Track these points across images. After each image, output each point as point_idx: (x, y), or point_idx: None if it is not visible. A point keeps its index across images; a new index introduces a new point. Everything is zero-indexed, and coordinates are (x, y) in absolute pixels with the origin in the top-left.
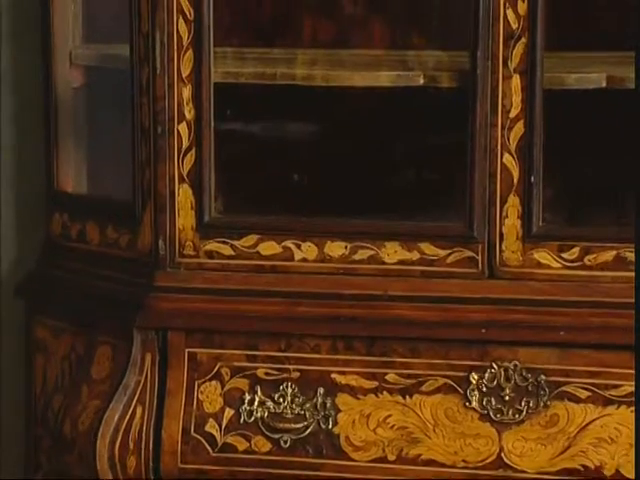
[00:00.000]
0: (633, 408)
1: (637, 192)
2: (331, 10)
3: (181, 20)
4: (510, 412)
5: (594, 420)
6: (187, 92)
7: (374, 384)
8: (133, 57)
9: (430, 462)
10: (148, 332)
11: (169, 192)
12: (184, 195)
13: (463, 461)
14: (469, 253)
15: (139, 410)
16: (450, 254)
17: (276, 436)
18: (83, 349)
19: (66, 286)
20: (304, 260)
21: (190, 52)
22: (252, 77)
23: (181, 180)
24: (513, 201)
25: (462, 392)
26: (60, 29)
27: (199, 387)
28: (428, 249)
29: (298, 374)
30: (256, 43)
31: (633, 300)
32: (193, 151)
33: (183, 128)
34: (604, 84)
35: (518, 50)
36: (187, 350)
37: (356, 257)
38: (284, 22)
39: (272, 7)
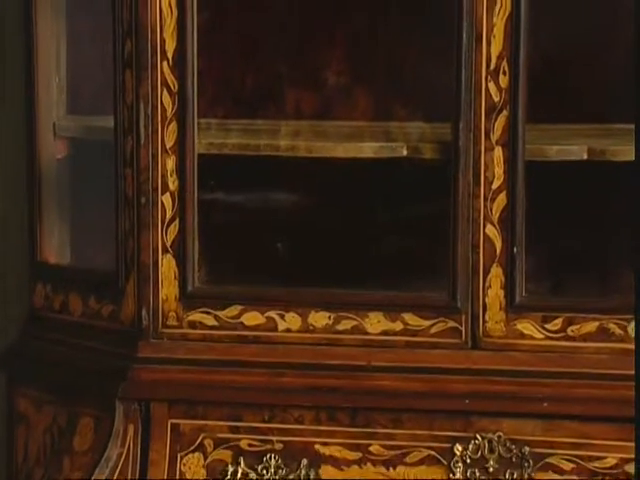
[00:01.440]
0: None
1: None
2: (314, 81)
3: (165, 92)
4: None
5: None
6: (171, 163)
7: (358, 455)
8: (117, 128)
9: None
10: (131, 403)
11: (152, 262)
12: (167, 265)
13: None
14: (452, 324)
15: None
16: (434, 324)
17: None
18: (65, 421)
19: (48, 357)
20: (288, 330)
21: (174, 123)
22: (236, 148)
23: (165, 250)
24: (496, 272)
25: (446, 464)
26: (44, 101)
27: (182, 459)
28: (412, 319)
29: (282, 445)
30: (240, 114)
31: (617, 371)
32: (177, 221)
33: (167, 199)
34: (585, 156)
35: (500, 122)
36: (170, 421)
37: (340, 327)
38: (268, 93)
39: (255, 78)
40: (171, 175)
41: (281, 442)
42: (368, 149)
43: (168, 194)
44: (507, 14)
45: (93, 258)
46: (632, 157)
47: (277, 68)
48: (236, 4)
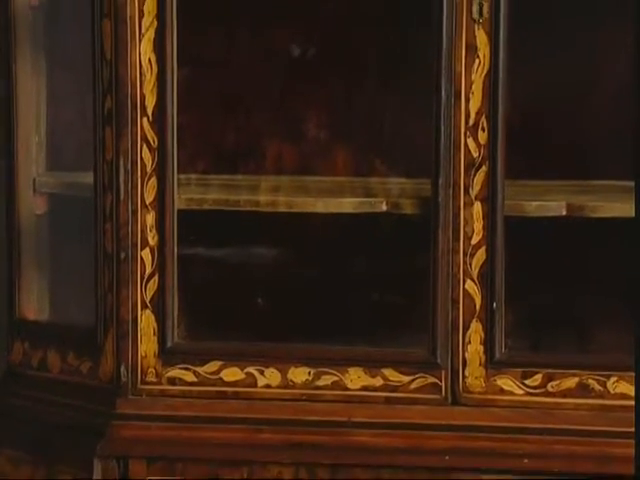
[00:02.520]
0: None
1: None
2: (294, 137)
3: (145, 148)
4: None
5: None
6: (151, 218)
7: None
8: (97, 184)
9: None
10: (109, 461)
11: (132, 318)
12: (147, 321)
13: None
14: (432, 379)
15: None
16: (413, 380)
17: None
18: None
19: (26, 415)
20: (267, 386)
21: (154, 179)
22: (216, 203)
23: (144, 306)
24: (476, 327)
25: None
26: (24, 157)
27: None
28: (392, 375)
29: None
30: (220, 169)
31: (597, 427)
32: (156, 277)
33: (146, 254)
34: (564, 212)
35: (479, 178)
36: (149, 479)
37: (319, 383)
38: (248, 149)
39: (236, 134)
40: (151, 230)
41: None
42: (348, 204)
43: (148, 249)
44: (485, 71)
45: (72, 314)
46: (611, 213)
47: (257, 123)
48: (216, 60)
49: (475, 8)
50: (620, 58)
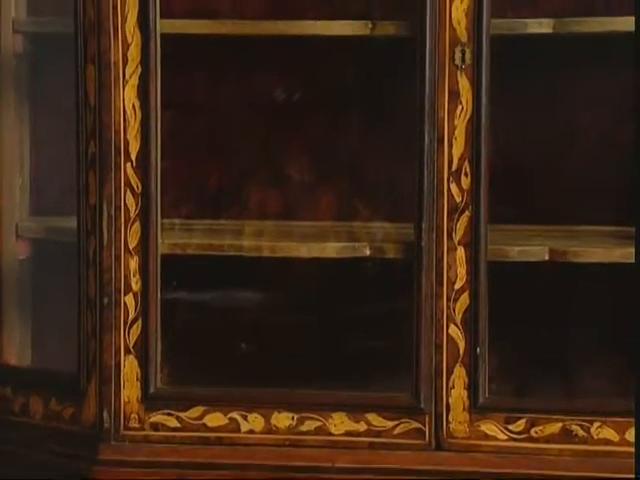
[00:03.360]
0: None
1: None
2: (278, 181)
3: (129, 193)
4: None
5: None
6: (134, 263)
7: None
8: (80, 229)
9: None
10: None
11: (115, 363)
12: (130, 366)
13: None
14: (416, 424)
15: None
16: (397, 425)
17: None
18: None
19: (7, 462)
20: (251, 432)
21: (137, 224)
22: (200, 248)
23: (127, 351)
24: (459, 372)
25: None
26: (7, 202)
27: None
28: (375, 420)
29: None
30: (204, 214)
31: (581, 473)
32: (139, 322)
33: (130, 299)
34: (546, 257)
35: (462, 223)
36: None
37: (303, 428)
38: (231, 193)
39: (219, 178)
40: (134, 275)
41: None
42: (331, 249)
43: (131, 294)
44: (468, 117)
45: (55, 360)
46: (593, 258)
47: (241, 168)
48: (200, 105)
49: (457, 55)
50: (601, 107)
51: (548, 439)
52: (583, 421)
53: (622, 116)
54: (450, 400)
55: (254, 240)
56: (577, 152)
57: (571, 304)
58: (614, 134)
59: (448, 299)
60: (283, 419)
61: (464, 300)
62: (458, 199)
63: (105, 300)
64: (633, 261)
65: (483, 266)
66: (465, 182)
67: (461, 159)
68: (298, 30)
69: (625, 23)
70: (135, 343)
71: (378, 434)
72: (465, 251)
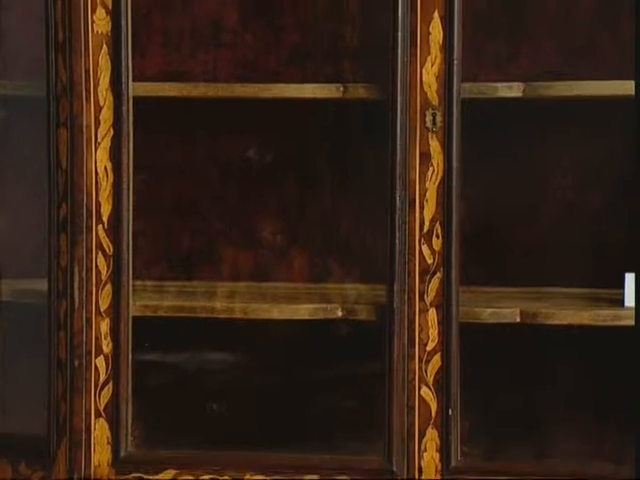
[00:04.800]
0: None
1: None
2: (251, 243)
3: (100, 255)
4: None
5: None
6: (105, 326)
7: None
8: (51, 291)
9: None
10: None
11: (85, 427)
12: (100, 430)
13: None
14: None
15: None
16: None
17: None
18: None
19: None
20: None
21: (109, 286)
22: (171, 310)
23: (97, 414)
24: (431, 434)
25: None
26: None
27: None
28: None
29: None
30: (176, 276)
31: None
32: (110, 385)
33: (101, 362)
34: (518, 319)
35: (434, 284)
36: None
37: None
38: (204, 255)
39: (191, 240)
40: (105, 338)
41: None
42: (304, 310)
43: (102, 357)
44: (439, 179)
45: (24, 423)
46: (564, 320)
47: (213, 229)
48: (172, 166)
49: (428, 118)
50: (570, 170)
51: None
52: None
53: (591, 179)
54: (422, 463)
55: (226, 302)
56: (547, 214)
57: (543, 365)
58: (583, 197)
59: (420, 360)
60: None
61: (436, 362)
62: (430, 261)
63: (76, 363)
64: (603, 324)
65: (455, 328)
66: (436, 244)
67: (432, 221)
68: (270, 93)
69: (594, 87)
70: (106, 406)
71: None
72: (437, 313)
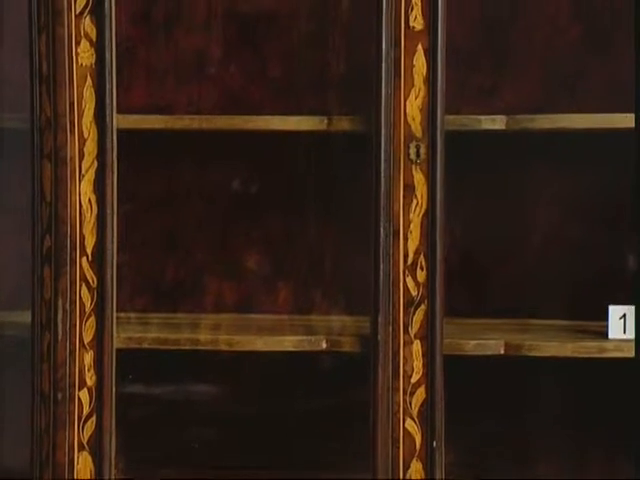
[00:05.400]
0: None
1: None
2: (235, 274)
3: (84, 287)
4: None
5: None
6: (89, 358)
7: None
8: (35, 324)
9: None
10: None
11: (68, 460)
12: (84, 463)
13: None
14: None
15: None
16: None
17: None
18: None
19: None
20: None
21: (93, 318)
22: (155, 342)
23: (81, 448)
24: (416, 467)
25: None
26: None
27: None
28: None
29: None
30: (160, 307)
31: None
32: (94, 418)
33: (84, 394)
34: (502, 351)
35: (418, 316)
36: None
37: None
38: (188, 286)
39: (175, 271)
40: (89, 370)
41: None
42: (288, 342)
43: (85, 390)
44: (423, 211)
45: (6, 458)
46: (548, 352)
47: (198, 261)
48: (156, 198)
49: (412, 150)
50: (552, 202)
51: None
52: None
53: (574, 211)
54: None
55: (210, 334)
56: (531, 246)
57: (527, 397)
58: (566, 229)
59: (404, 393)
60: None
61: (420, 394)
62: (414, 292)
63: (59, 396)
64: (587, 356)
65: (439, 360)
66: (421, 275)
67: (416, 253)
68: (254, 125)
69: (577, 120)
70: (89, 439)
71: None
72: (421, 345)
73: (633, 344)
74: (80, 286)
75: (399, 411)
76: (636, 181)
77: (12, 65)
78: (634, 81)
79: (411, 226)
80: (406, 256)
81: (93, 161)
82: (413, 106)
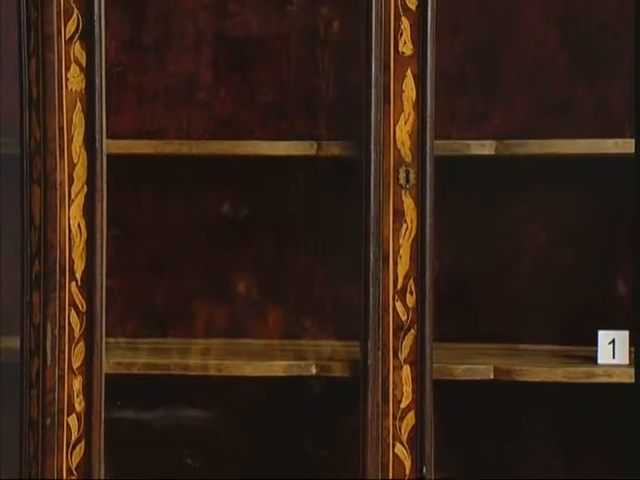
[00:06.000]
0: None
1: None
2: (225, 299)
3: (73, 312)
4: None
5: None
6: (78, 384)
7: None
8: (24, 349)
9: None
10: None
11: None
12: None
13: None
14: None
15: None
16: None
17: None
18: None
19: None
20: None
21: (82, 344)
22: (145, 368)
23: (69, 473)
24: None
25: None
26: None
27: None
28: None
29: None
30: (150, 332)
31: None
32: (82, 443)
33: (73, 420)
34: (491, 375)
35: (408, 341)
36: None
37: None
38: (178, 311)
39: (166, 296)
40: (77, 396)
41: None
42: (278, 367)
43: (74, 415)
44: (413, 236)
45: None
46: (538, 377)
47: (187, 286)
48: (145, 223)
49: (402, 175)
50: (541, 227)
51: None
52: None
53: (563, 236)
54: None
55: (200, 359)
56: (520, 271)
57: (517, 422)
58: (556, 254)
59: (394, 418)
60: None
61: (410, 419)
62: (403, 317)
63: (47, 421)
64: (576, 381)
65: (429, 384)
66: (410, 300)
67: (406, 277)
68: (244, 150)
69: (567, 146)
70: (78, 465)
71: None
72: (411, 369)
73: (623, 369)
74: (69, 311)
75: (389, 436)
76: (636, 206)
77: (8, 90)
78: (634, 107)
79: (401, 251)
80: (396, 281)
81: (83, 186)
82: (403, 131)
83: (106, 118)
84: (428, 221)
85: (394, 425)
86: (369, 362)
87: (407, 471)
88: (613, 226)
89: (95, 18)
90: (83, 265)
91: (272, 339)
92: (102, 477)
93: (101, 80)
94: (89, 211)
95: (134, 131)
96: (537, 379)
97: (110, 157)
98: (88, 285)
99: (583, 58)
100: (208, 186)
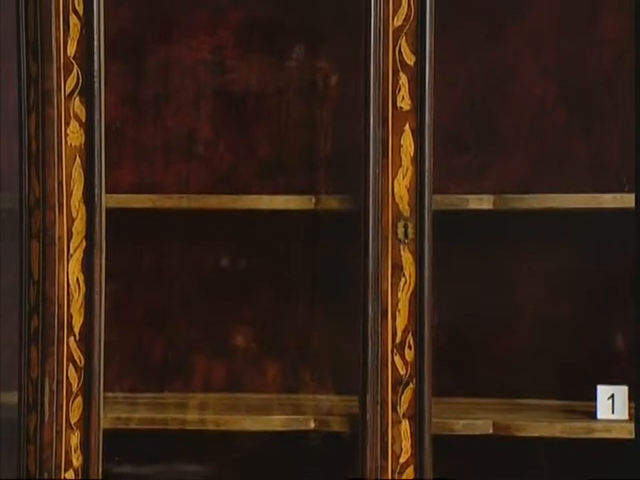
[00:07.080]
0: None
1: None
2: (224, 353)
3: (71, 367)
4: None
5: None
6: (75, 439)
7: None
8: (21, 404)
9: None
10: None
11: None
12: None
13: None
14: None
15: None
16: None
17: None
18: None
19: None
20: None
21: (80, 399)
22: (143, 422)
23: None
24: None
25: None
26: None
27: None
28: None
29: None
30: (148, 387)
31: None
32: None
33: (70, 475)
34: (490, 431)
35: (407, 396)
36: None
37: None
38: (176, 365)
39: (164, 350)
40: (75, 451)
41: None
42: (276, 422)
43: (72, 471)
44: (411, 290)
45: None
46: (537, 432)
47: (185, 340)
48: (144, 277)
49: (400, 229)
50: (541, 281)
51: None
52: None
53: (561, 290)
54: None
55: (198, 413)
56: (519, 325)
57: (516, 477)
58: (554, 308)
59: (393, 472)
60: None
61: (409, 474)
62: (402, 371)
63: (45, 477)
64: (575, 436)
65: (428, 439)
66: (409, 354)
67: (405, 331)
68: (243, 204)
69: (565, 200)
70: None
71: None
72: (410, 424)
73: (622, 424)
74: (67, 366)
75: None
76: (637, 261)
77: (7, 145)
78: (634, 160)
79: (399, 305)
80: (394, 335)
81: (82, 240)
82: (401, 185)
83: (105, 173)
84: (427, 275)
85: None
86: (368, 417)
87: None
88: (612, 280)
89: (95, 74)
90: (82, 320)
91: (270, 393)
92: None
93: (100, 135)
94: (88, 266)
95: (133, 185)
96: (536, 434)
97: (109, 211)
98: (86, 340)
99: (579, 115)
100: (207, 240)
